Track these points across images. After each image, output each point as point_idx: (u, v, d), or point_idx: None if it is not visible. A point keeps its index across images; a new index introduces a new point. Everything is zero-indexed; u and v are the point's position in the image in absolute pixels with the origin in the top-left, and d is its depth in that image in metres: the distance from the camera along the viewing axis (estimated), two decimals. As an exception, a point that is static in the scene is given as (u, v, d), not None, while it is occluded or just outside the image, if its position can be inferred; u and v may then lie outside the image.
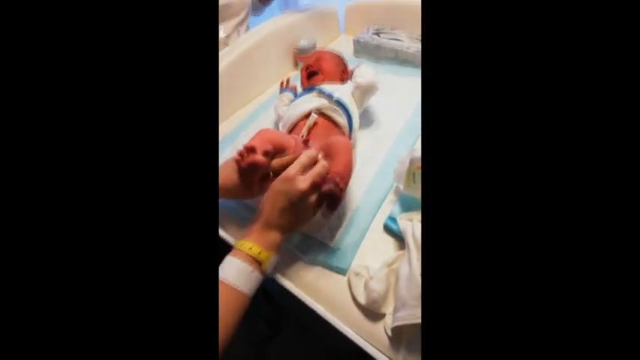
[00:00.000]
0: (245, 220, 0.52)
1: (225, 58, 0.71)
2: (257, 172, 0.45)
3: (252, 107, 0.76)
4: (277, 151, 0.47)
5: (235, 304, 0.36)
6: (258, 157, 0.43)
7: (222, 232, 0.51)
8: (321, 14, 0.92)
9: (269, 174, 0.48)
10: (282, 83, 0.69)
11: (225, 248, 0.50)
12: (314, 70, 0.66)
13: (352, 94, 0.60)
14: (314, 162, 0.43)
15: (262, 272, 0.38)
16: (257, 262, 0.38)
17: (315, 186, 0.40)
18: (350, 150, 0.49)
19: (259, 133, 0.49)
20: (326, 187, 0.40)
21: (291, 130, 0.57)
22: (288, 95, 0.66)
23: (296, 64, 0.87)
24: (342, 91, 0.59)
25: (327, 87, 0.60)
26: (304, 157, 0.42)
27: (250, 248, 0.38)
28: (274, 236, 0.40)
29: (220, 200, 0.54)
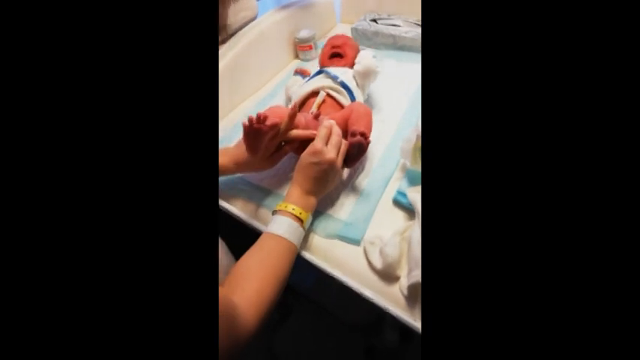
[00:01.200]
0: (258, 201, 0.56)
1: (228, 52, 0.74)
2: (260, 139, 0.48)
3: (257, 98, 0.79)
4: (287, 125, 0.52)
5: (288, 254, 0.42)
6: (264, 127, 0.46)
7: (237, 211, 0.55)
8: (316, 5, 0.94)
9: (281, 145, 0.53)
10: (299, 70, 0.73)
11: (245, 230, 0.54)
12: (339, 52, 0.69)
13: (354, 78, 0.63)
14: (330, 131, 0.49)
15: (303, 229, 0.45)
16: (300, 220, 0.44)
17: (339, 151, 0.47)
18: (370, 114, 0.55)
19: (270, 108, 0.53)
20: (355, 140, 0.47)
21: (299, 107, 0.61)
22: (299, 79, 0.70)
23: (297, 55, 0.89)
24: (347, 74, 0.63)
25: (334, 70, 0.64)
26: (323, 129, 0.48)
27: (293, 209, 0.44)
28: (312, 201, 0.47)
29: (234, 180, 0.58)
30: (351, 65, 0.68)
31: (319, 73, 0.65)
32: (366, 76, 0.64)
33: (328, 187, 0.49)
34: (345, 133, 0.52)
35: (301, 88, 0.63)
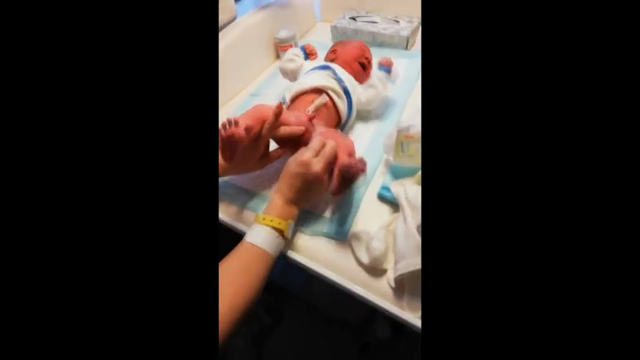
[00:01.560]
0: (241, 204, 0.55)
1: None
2: (233, 146, 0.46)
3: (240, 100, 0.78)
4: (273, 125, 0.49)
5: (264, 264, 0.42)
6: (239, 131, 0.45)
7: (223, 217, 0.54)
8: (295, 5, 0.94)
9: (268, 148, 0.52)
10: (307, 47, 0.68)
11: (230, 233, 0.53)
12: (366, 65, 0.66)
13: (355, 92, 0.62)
14: (323, 145, 0.46)
15: (285, 238, 0.45)
16: (279, 231, 0.44)
17: (327, 166, 0.44)
18: (352, 146, 0.50)
19: (254, 107, 0.50)
20: (352, 168, 0.43)
21: (295, 99, 0.59)
22: (298, 52, 0.67)
23: (278, 56, 0.89)
24: (352, 82, 0.61)
25: (340, 72, 0.61)
26: (316, 141, 0.46)
27: (271, 221, 0.43)
28: (293, 210, 0.46)
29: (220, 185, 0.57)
30: (358, 78, 0.64)
31: (325, 67, 0.61)
32: (365, 105, 0.63)
33: (312, 198, 0.47)
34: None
35: (303, 80, 0.60)
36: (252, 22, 0.82)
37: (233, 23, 0.82)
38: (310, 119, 0.53)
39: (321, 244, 0.49)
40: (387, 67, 0.65)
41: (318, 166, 0.44)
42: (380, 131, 0.63)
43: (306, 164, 0.44)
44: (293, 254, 0.48)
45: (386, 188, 0.51)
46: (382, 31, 0.81)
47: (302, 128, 0.50)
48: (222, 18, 0.83)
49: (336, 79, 0.60)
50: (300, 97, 0.59)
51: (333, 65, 0.62)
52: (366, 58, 0.68)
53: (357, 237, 0.46)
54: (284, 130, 0.51)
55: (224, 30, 0.79)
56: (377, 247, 0.42)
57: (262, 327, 1.04)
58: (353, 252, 0.46)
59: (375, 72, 0.65)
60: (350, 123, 0.63)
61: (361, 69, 0.66)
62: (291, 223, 0.45)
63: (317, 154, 0.45)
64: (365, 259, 0.44)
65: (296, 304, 1.03)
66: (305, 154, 0.44)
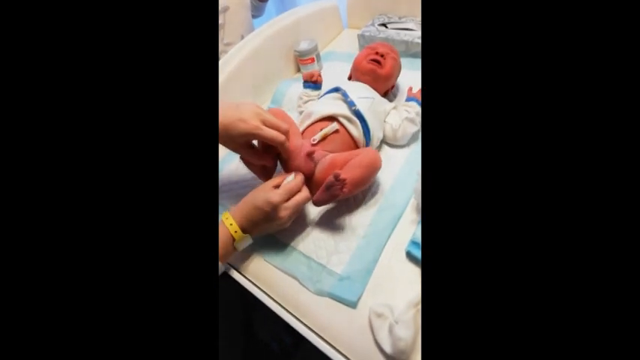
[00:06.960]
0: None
1: (226, 66, 0.67)
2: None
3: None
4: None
5: None
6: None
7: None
8: (321, 11, 0.86)
9: (253, 146, 0.49)
10: (307, 76, 0.64)
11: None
12: (378, 58, 0.58)
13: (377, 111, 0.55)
14: (299, 188, 0.45)
15: (234, 248, 0.44)
16: (231, 238, 0.43)
17: (293, 214, 0.44)
18: (373, 167, 0.48)
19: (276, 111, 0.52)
20: (329, 181, 0.43)
21: (304, 131, 0.53)
22: (310, 93, 0.63)
23: (298, 69, 0.81)
24: (365, 102, 0.54)
25: (354, 92, 0.54)
26: (294, 183, 0.45)
27: (231, 224, 0.43)
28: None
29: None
30: (385, 82, 0.60)
31: (335, 90, 0.56)
32: (394, 139, 0.56)
33: (262, 232, 0.46)
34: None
35: (312, 109, 0.54)
36: (275, 30, 0.75)
37: (255, 31, 0.75)
38: (309, 154, 0.48)
39: (329, 307, 0.41)
40: (416, 99, 0.58)
41: (284, 212, 0.43)
42: (414, 160, 0.53)
43: (276, 207, 0.42)
44: (287, 315, 0.42)
45: (416, 245, 0.42)
46: (417, 41, 0.70)
47: (282, 136, 0.45)
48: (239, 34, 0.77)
49: (346, 103, 0.53)
50: (309, 128, 0.53)
51: (345, 85, 0.56)
52: (377, 53, 0.59)
53: (377, 313, 0.37)
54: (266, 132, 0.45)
55: (240, 42, 0.72)
56: (402, 336, 0.33)
57: (281, 347, 0.98)
58: (372, 332, 0.37)
59: (409, 104, 0.58)
60: (373, 144, 0.54)
61: (376, 66, 0.58)
62: (247, 238, 0.44)
63: (289, 196, 0.44)
64: (387, 348, 0.35)
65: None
66: (275, 197, 0.43)
